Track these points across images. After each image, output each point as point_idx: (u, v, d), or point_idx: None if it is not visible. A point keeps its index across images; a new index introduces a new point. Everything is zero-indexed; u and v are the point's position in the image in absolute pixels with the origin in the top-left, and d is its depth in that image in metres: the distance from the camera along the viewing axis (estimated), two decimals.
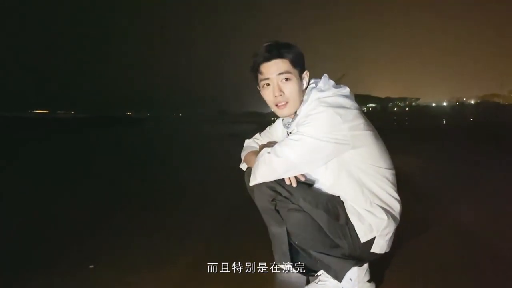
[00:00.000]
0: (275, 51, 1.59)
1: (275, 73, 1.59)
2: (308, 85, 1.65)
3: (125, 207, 3.31)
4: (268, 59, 1.59)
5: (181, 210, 3.22)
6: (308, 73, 1.65)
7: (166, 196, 3.79)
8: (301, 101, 1.63)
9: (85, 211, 3.20)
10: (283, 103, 1.62)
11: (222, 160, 6.78)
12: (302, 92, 1.64)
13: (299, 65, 1.61)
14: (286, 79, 1.59)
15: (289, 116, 1.67)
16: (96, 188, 4.22)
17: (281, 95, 1.60)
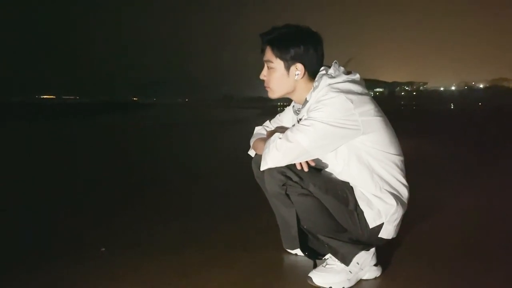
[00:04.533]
0: (265, 38, 1.66)
1: (264, 58, 1.68)
2: (319, 72, 1.65)
3: (138, 192, 3.36)
4: (263, 42, 1.68)
5: (196, 195, 3.26)
6: (301, 67, 1.63)
7: (179, 182, 3.83)
8: (287, 91, 1.68)
9: (97, 195, 3.25)
10: (267, 86, 1.70)
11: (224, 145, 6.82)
12: (291, 83, 1.65)
13: (285, 57, 1.62)
14: (268, 67, 1.67)
15: (275, 98, 1.74)
16: (109, 174, 4.27)
17: (264, 77, 1.70)
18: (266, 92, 1.72)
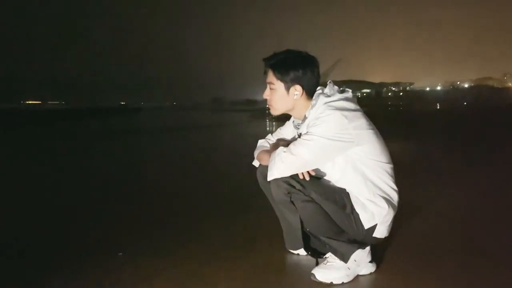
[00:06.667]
0: (267, 62, 1.88)
1: (266, 80, 1.89)
2: (316, 91, 1.86)
3: (150, 195, 3.54)
4: (265, 66, 1.89)
5: (202, 200, 3.42)
6: (299, 88, 1.84)
7: (185, 187, 3.97)
8: (287, 109, 1.90)
9: (109, 199, 3.41)
10: (269, 105, 1.93)
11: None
12: (290, 102, 1.87)
13: (285, 79, 1.84)
14: (270, 88, 1.88)
15: (276, 115, 1.95)
16: (119, 177, 4.42)
17: (267, 97, 1.91)
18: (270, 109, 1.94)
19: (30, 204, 3.41)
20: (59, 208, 3.24)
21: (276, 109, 1.91)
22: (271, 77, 1.87)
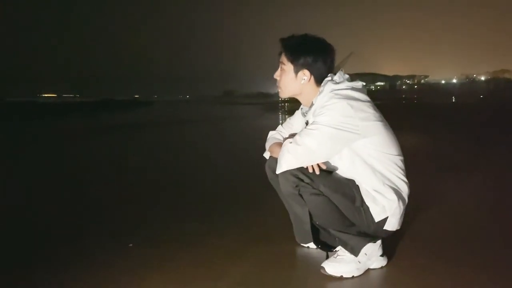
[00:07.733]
0: (283, 42, 1.88)
1: (279, 60, 1.89)
2: (324, 78, 1.83)
3: (160, 187, 3.56)
4: (281, 46, 1.89)
5: (214, 193, 3.42)
6: (308, 73, 1.83)
7: (198, 181, 3.98)
8: (295, 92, 1.90)
9: (119, 190, 3.42)
10: (278, 86, 1.93)
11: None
12: (298, 86, 1.86)
13: (295, 63, 1.84)
14: (281, 68, 1.88)
15: (284, 98, 1.98)
16: (127, 174, 4.43)
17: (277, 77, 1.91)
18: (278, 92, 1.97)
19: (30, 200, 3.45)
20: (64, 201, 3.27)
21: (284, 91, 1.92)
22: (283, 57, 1.87)
